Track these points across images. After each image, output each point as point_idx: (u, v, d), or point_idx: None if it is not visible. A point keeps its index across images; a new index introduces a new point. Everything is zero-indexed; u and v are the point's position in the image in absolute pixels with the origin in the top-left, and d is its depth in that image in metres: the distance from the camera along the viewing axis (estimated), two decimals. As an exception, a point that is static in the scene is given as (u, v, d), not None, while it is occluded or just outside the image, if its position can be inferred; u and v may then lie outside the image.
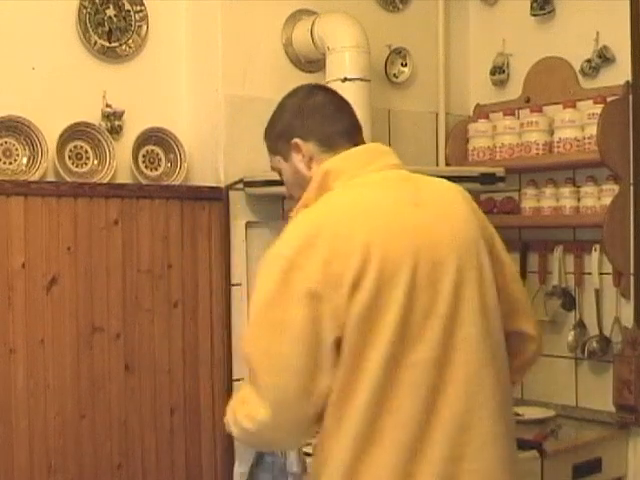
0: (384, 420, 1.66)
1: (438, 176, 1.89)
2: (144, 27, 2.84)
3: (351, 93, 2.59)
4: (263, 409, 1.68)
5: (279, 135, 1.92)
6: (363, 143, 1.90)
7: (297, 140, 1.87)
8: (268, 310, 1.69)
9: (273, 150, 1.96)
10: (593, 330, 3.16)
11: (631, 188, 3.02)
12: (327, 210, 1.76)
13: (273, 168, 1.99)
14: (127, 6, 2.81)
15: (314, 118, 1.89)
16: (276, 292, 1.68)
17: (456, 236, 1.76)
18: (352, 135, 1.89)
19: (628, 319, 3.06)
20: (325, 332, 1.65)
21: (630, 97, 3.02)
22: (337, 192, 1.79)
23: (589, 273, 3.16)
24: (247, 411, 1.72)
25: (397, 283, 1.66)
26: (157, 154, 2.84)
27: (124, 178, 2.76)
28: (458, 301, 1.71)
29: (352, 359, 1.65)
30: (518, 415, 2.85)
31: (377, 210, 1.74)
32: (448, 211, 1.80)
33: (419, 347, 1.67)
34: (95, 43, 2.74)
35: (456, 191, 1.86)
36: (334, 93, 1.99)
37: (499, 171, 2.82)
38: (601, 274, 3.12)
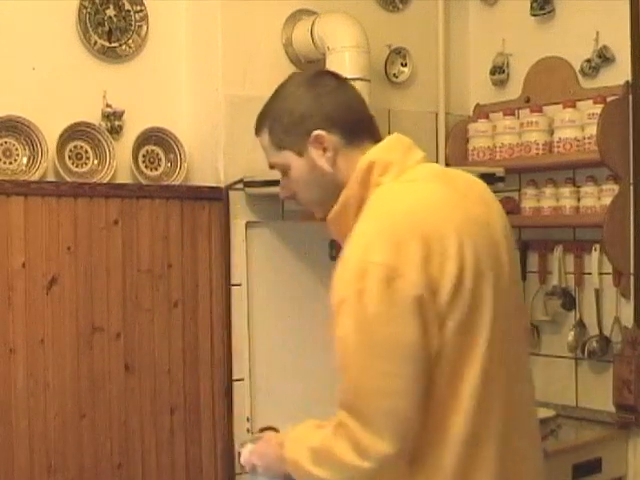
0: (484, 427, 1.56)
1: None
2: (144, 27, 2.84)
3: (351, 93, 2.59)
4: (384, 441, 1.48)
5: (291, 126, 1.68)
6: (380, 136, 1.73)
7: (320, 132, 1.66)
8: (375, 329, 1.49)
9: (279, 144, 1.71)
10: (593, 330, 3.16)
11: (631, 188, 3.02)
12: (403, 206, 1.59)
13: (274, 165, 1.76)
14: (127, 6, 2.81)
15: (334, 106, 1.68)
16: (380, 306, 1.49)
17: (500, 229, 1.69)
18: (373, 127, 1.73)
19: (628, 319, 3.06)
20: (432, 343, 1.51)
21: (630, 97, 3.02)
22: (399, 187, 1.63)
23: (589, 273, 3.16)
24: (358, 449, 1.49)
25: (487, 279, 1.58)
26: (157, 154, 2.84)
27: (124, 178, 2.76)
28: (510, 298, 1.65)
29: (451, 367, 1.53)
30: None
31: (449, 205, 1.61)
32: (487, 204, 1.71)
33: (506, 345, 1.61)
34: (95, 43, 2.74)
35: (482, 183, 1.77)
36: (342, 77, 1.80)
37: (499, 171, 2.82)
38: (601, 274, 3.12)
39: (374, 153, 1.67)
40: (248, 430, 2.81)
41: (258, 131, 1.76)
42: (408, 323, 1.49)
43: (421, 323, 1.49)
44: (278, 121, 1.70)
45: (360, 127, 1.70)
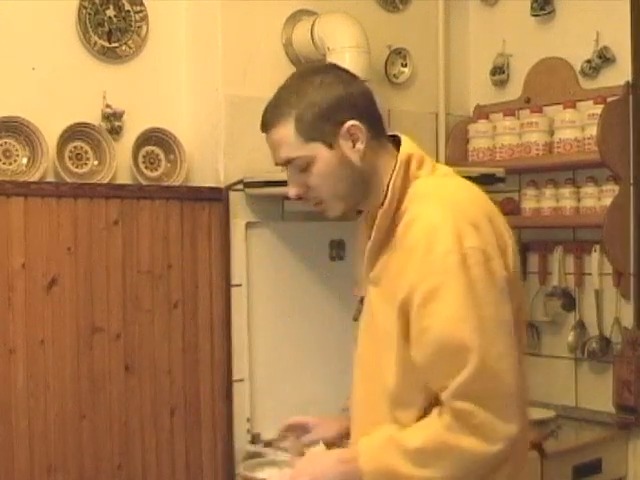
0: (526, 406, 1.63)
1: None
2: (144, 27, 2.84)
3: (351, 93, 2.59)
4: (508, 422, 1.49)
5: (325, 115, 1.58)
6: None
7: (355, 122, 1.59)
8: (485, 312, 1.50)
9: (309, 135, 1.59)
10: (593, 331, 3.17)
11: (631, 188, 3.02)
12: (463, 194, 1.61)
13: (294, 160, 1.62)
14: (127, 6, 2.80)
15: (361, 97, 1.62)
16: (486, 289, 1.50)
17: None
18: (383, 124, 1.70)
19: (628, 320, 3.06)
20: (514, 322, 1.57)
21: (630, 97, 3.02)
22: (441, 180, 1.65)
23: (589, 274, 3.16)
24: (484, 435, 1.48)
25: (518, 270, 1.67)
26: (157, 154, 2.84)
27: (124, 179, 2.75)
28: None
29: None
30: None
31: (486, 199, 1.65)
32: None
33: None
34: (95, 43, 2.74)
35: None
36: (350, 71, 1.73)
37: (499, 172, 2.82)
38: (601, 275, 3.12)
39: (408, 147, 1.66)
40: (248, 431, 2.81)
41: (275, 124, 1.62)
42: (506, 302, 1.53)
43: (511, 303, 1.55)
44: (308, 110, 1.59)
45: (380, 121, 1.68)
